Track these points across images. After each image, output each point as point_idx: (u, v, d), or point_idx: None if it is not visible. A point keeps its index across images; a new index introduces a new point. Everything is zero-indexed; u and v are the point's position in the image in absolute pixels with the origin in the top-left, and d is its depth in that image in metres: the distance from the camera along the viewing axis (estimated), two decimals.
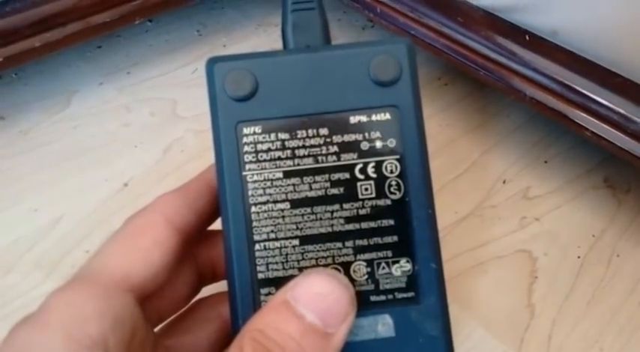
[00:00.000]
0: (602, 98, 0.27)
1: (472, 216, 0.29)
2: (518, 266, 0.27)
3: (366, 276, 0.16)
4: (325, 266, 0.16)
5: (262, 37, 0.39)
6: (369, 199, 0.16)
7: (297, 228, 0.16)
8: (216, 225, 0.19)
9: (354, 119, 0.17)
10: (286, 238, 0.16)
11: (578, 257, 0.27)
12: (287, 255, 0.16)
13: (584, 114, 0.27)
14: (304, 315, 0.14)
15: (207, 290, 0.20)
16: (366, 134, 0.17)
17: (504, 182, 0.31)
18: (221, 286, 0.20)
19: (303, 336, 0.14)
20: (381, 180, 0.16)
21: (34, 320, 0.14)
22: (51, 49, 0.31)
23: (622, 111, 0.26)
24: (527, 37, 0.29)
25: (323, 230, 0.16)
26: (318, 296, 0.14)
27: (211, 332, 0.19)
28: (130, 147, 0.32)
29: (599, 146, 0.27)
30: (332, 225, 0.16)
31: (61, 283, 0.15)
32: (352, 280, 0.16)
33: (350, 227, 0.16)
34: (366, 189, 0.16)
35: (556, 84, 0.28)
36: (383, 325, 0.16)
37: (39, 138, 0.33)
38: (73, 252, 0.27)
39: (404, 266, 0.16)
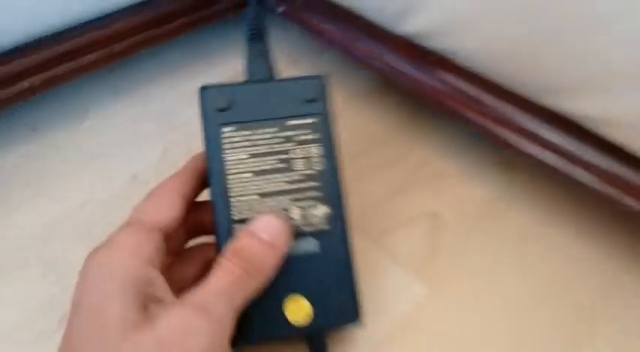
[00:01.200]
0: (488, 102, 0.38)
1: (401, 185, 0.40)
2: (429, 222, 0.38)
3: (300, 216, 0.27)
4: (274, 210, 0.27)
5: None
6: (302, 170, 0.28)
7: (257, 189, 0.27)
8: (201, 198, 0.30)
9: (292, 122, 0.28)
10: (250, 194, 0.27)
11: (477, 216, 0.39)
12: (251, 204, 0.27)
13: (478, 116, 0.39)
14: (261, 236, 0.25)
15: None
16: (300, 130, 0.28)
17: (421, 164, 0.42)
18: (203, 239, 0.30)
19: (261, 247, 0.25)
20: (309, 158, 0.28)
21: (108, 247, 0.25)
22: (79, 73, 0.41)
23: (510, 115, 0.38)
24: (435, 58, 0.41)
25: (273, 189, 0.27)
26: (269, 224, 0.26)
27: (198, 266, 0.30)
28: (138, 148, 0.43)
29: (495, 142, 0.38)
30: (279, 186, 0.27)
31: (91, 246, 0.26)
32: (292, 219, 0.27)
33: (290, 187, 0.27)
34: (300, 164, 0.28)
35: (458, 93, 0.40)
36: (312, 244, 0.27)
37: (64, 144, 0.43)
38: (100, 224, 0.38)
39: (323, 209, 0.27)
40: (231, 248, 0.25)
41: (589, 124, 0.36)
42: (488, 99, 0.40)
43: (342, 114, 0.46)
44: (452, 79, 0.40)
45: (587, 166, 0.36)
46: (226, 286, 0.24)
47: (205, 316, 0.22)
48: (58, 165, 0.42)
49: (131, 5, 0.42)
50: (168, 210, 0.27)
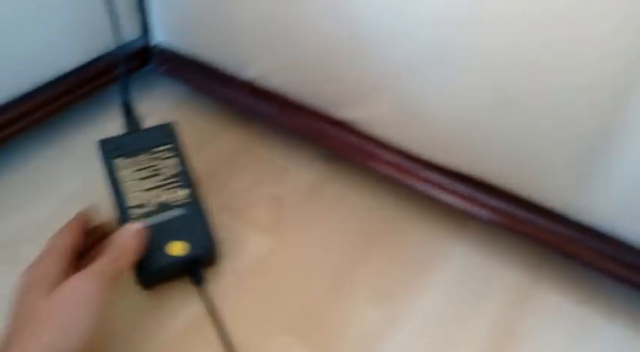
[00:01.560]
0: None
1: (257, 179, 0.60)
2: (276, 200, 0.58)
3: (173, 195, 0.47)
4: (157, 198, 0.46)
5: None
6: (168, 173, 0.47)
7: (142, 187, 0.47)
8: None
9: (157, 149, 0.48)
10: (138, 191, 0.47)
11: (307, 194, 0.59)
12: (139, 196, 0.46)
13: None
14: (125, 236, 0.43)
15: None
16: (162, 153, 0.48)
17: (270, 164, 0.62)
18: None
19: (125, 242, 0.43)
20: (172, 165, 0.48)
21: (37, 262, 0.41)
22: (22, 132, 0.59)
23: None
24: (268, 94, 0.61)
25: (152, 185, 0.47)
26: (129, 229, 0.44)
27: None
28: (69, 178, 0.60)
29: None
30: (155, 183, 0.47)
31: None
32: (170, 198, 0.46)
33: (162, 183, 0.47)
34: (166, 170, 0.47)
35: (286, 114, 0.60)
36: (181, 211, 0.47)
37: (21, 180, 0.61)
38: (51, 229, 0.55)
39: (185, 191, 0.47)
40: (109, 245, 0.43)
41: (358, 126, 0.57)
42: (304, 116, 0.60)
43: (216, 138, 0.66)
44: (281, 105, 0.61)
45: (366, 153, 0.57)
46: (107, 262, 0.41)
47: (92, 276, 0.39)
48: (21, 194, 0.59)
49: (43, 85, 0.59)
50: (78, 237, 0.44)
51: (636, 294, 0.50)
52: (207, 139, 0.65)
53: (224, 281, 0.51)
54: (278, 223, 0.57)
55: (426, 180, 0.55)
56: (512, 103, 0.45)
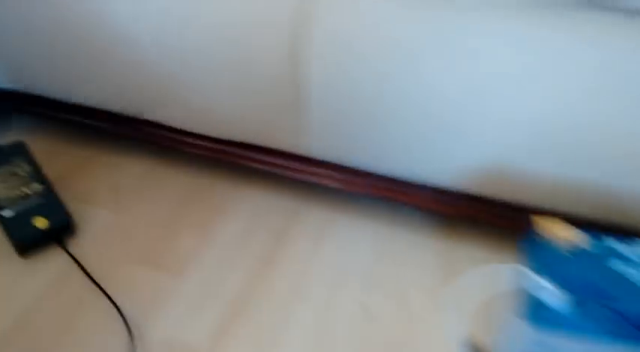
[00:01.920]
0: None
1: (99, 176, 0.81)
2: (113, 189, 0.79)
3: (32, 190, 0.67)
4: (19, 192, 0.66)
5: None
6: (26, 175, 0.67)
7: (5, 187, 0.66)
8: None
9: (12, 160, 0.69)
10: (2, 190, 0.66)
11: (140, 180, 0.81)
12: (4, 194, 0.66)
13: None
14: None
15: None
16: (19, 162, 0.69)
17: (111, 165, 0.83)
18: None
19: None
20: (27, 170, 0.68)
21: None
22: None
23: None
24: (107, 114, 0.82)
25: (13, 185, 0.67)
26: None
27: None
28: None
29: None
30: (17, 183, 0.67)
31: None
32: (29, 192, 0.67)
33: (22, 182, 0.67)
34: (24, 173, 0.67)
35: (126, 128, 0.82)
36: (39, 199, 0.67)
37: None
38: None
39: (40, 186, 0.68)
40: None
41: (167, 123, 0.80)
42: (128, 122, 0.82)
43: (62, 151, 0.85)
44: (107, 118, 0.82)
45: (178, 141, 0.81)
46: None
47: None
48: None
49: None
50: None
51: (364, 200, 0.79)
52: (56, 152, 0.85)
53: (83, 243, 0.72)
54: (119, 202, 0.78)
55: (216, 151, 0.80)
56: (238, 89, 0.71)
